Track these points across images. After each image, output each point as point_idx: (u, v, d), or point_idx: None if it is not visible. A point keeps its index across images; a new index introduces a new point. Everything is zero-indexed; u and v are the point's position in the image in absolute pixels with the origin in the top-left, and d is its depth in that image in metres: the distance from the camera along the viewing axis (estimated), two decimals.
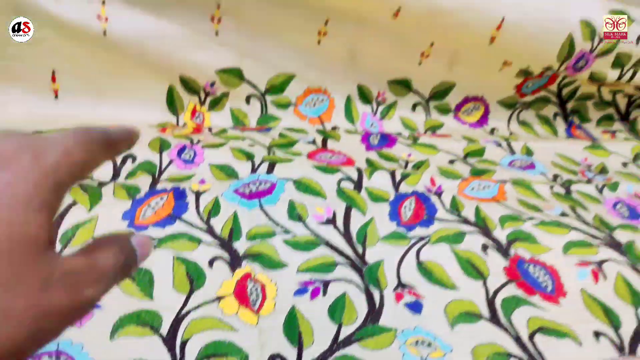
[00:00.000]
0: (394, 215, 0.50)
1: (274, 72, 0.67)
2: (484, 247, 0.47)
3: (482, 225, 0.49)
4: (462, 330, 0.39)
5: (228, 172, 0.52)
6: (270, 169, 0.53)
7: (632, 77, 0.70)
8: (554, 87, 0.76)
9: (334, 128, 0.70)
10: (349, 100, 0.72)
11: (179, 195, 0.47)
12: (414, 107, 0.74)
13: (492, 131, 0.76)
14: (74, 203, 0.44)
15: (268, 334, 0.37)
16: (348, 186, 0.53)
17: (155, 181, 0.49)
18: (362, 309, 0.40)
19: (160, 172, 0.51)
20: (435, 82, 0.73)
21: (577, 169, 0.65)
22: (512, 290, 0.43)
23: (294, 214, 0.48)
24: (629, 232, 0.51)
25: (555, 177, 0.62)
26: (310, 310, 0.39)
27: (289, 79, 0.68)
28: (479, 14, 0.61)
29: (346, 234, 0.47)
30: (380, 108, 0.73)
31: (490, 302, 0.42)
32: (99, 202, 0.45)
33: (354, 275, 0.43)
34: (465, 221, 0.50)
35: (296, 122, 0.70)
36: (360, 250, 0.46)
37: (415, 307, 0.41)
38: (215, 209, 0.47)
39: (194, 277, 0.40)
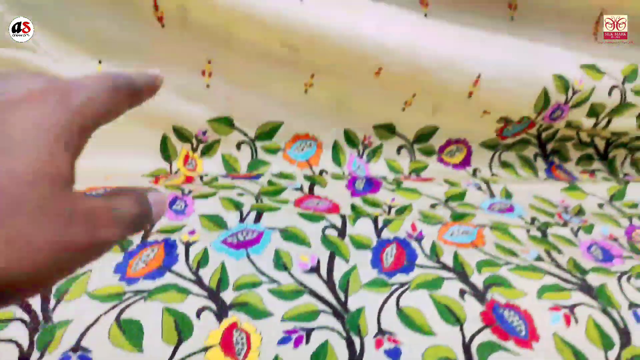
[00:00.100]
0: (376, 262, 0.52)
1: (263, 120, 0.71)
2: (462, 293, 0.49)
3: (460, 271, 0.52)
4: None
5: (217, 222, 0.55)
6: (258, 218, 0.56)
7: (607, 125, 0.74)
8: (533, 130, 0.80)
9: (321, 171, 0.73)
10: (336, 145, 0.75)
11: (170, 246, 0.49)
12: (399, 149, 0.77)
13: (475, 172, 0.79)
14: None
15: None
16: (332, 233, 0.55)
17: (147, 233, 0.51)
18: (343, 356, 0.42)
19: (152, 224, 0.53)
20: (419, 126, 0.76)
21: (554, 211, 0.68)
22: (487, 335, 0.45)
23: (280, 263, 0.50)
24: (601, 275, 0.53)
25: (533, 219, 0.65)
26: (293, 359, 0.41)
27: (278, 127, 0.72)
28: (456, 73, 0.65)
29: (329, 282, 0.49)
30: (367, 151, 0.76)
31: (467, 348, 0.44)
32: None
33: (336, 322, 0.45)
34: (444, 267, 0.52)
35: (285, 166, 0.73)
36: (342, 297, 0.48)
37: (394, 353, 0.43)
38: (204, 259, 0.49)
39: (182, 328, 0.42)
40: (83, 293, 0.43)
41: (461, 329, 0.45)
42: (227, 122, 0.69)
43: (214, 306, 0.45)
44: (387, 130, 0.76)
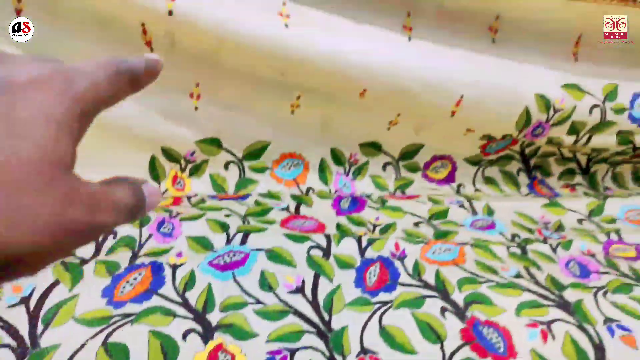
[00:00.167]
0: (360, 281, 0.54)
1: (251, 140, 0.72)
2: (443, 311, 0.50)
3: (441, 289, 0.53)
4: None
5: (204, 244, 0.56)
6: (244, 240, 0.57)
7: (587, 141, 0.76)
8: (516, 147, 0.82)
9: (308, 189, 0.74)
10: (322, 163, 0.77)
11: (157, 269, 0.50)
12: (385, 166, 0.79)
13: (459, 188, 0.80)
14: (56, 282, 0.47)
15: None
16: (317, 253, 0.56)
17: (134, 256, 0.52)
18: None
19: (140, 247, 0.54)
20: (404, 144, 0.78)
21: (535, 227, 0.69)
22: (466, 352, 0.46)
23: (265, 283, 0.51)
24: (578, 291, 0.54)
25: (514, 236, 0.66)
26: None
27: (265, 146, 0.73)
28: (438, 94, 0.66)
29: (314, 302, 0.50)
30: (353, 169, 0.78)
31: None
32: (80, 281, 0.48)
33: (320, 342, 0.46)
34: (426, 285, 0.54)
35: (273, 184, 0.74)
36: (326, 317, 0.49)
37: None
38: (190, 282, 0.50)
39: (168, 351, 0.43)
40: (70, 317, 0.44)
41: (442, 347, 0.47)
42: (215, 143, 0.70)
43: (199, 328, 0.45)
44: (373, 147, 0.77)
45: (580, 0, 0.68)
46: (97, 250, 0.53)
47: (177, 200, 0.66)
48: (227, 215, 0.61)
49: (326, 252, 0.57)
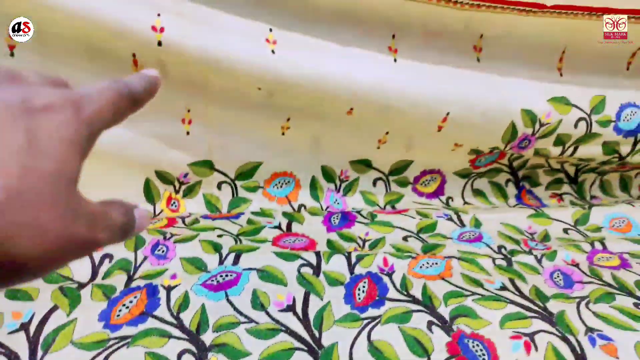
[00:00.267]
0: (349, 297, 0.55)
1: (242, 161, 0.74)
2: (429, 325, 0.52)
3: (428, 303, 0.55)
4: None
5: (197, 265, 0.58)
6: (237, 260, 0.59)
7: (574, 152, 0.77)
8: (505, 160, 0.84)
9: (300, 206, 0.76)
10: (313, 180, 0.79)
11: (152, 292, 0.52)
12: (375, 182, 0.81)
13: (448, 201, 0.82)
14: (55, 307, 0.49)
15: None
16: (308, 271, 0.58)
17: (130, 279, 0.54)
18: None
19: (135, 270, 0.56)
20: (394, 160, 0.80)
21: (521, 238, 0.71)
22: None
23: (257, 302, 0.53)
24: (561, 302, 0.56)
25: (500, 247, 0.68)
26: None
27: (257, 166, 0.75)
28: (424, 111, 0.68)
29: (304, 319, 0.52)
30: (343, 185, 0.80)
31: None
32: (78, 305, 0.49)
33: (310, 359, 0.48)
34: (414, 300, 0.55)
35: (265, 202, 0.76)
36: (317, 334, 0.50)
37: None
38: (184, 303, 0.51)
39: None
40: (69, 342, 0.46)
41: None
42: (207, 165, 0.72)
43: (194, 348, 0.47)
44: (364, 164, 0.79)
45: (561, 17, 0.69)
46: (94, 274, 0.55)
47: (171, 222, 0.68)
48: (220, 236, 0.63)
49: (316, 270, 0.58)
